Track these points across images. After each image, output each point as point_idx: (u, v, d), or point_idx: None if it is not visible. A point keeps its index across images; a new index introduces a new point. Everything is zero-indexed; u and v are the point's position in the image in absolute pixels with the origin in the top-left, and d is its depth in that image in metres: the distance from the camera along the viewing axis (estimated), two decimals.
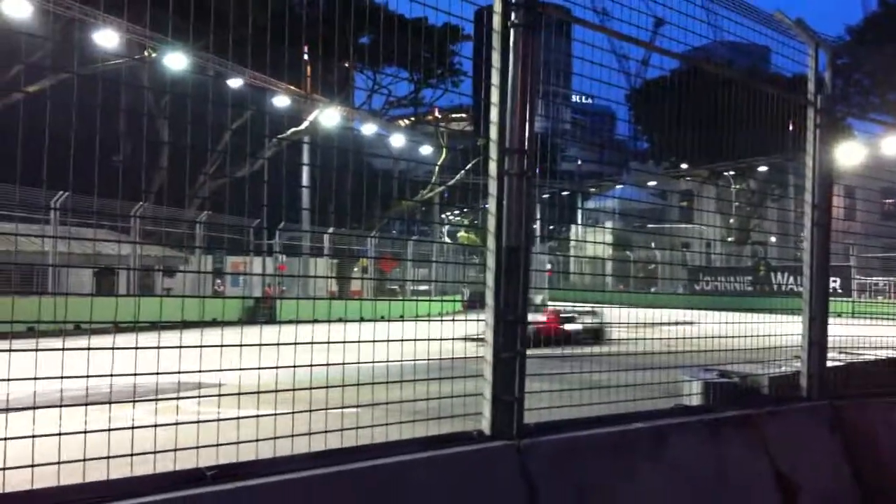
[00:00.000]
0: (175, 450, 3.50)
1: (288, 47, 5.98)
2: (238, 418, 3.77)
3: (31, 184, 3.75)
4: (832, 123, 6.71)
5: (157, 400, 4.05)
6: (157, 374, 3.59)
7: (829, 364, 6.60)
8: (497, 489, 4.04)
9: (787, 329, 6.72)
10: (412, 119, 53.53)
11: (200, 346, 3.77)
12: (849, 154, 10.20)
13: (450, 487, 3.88)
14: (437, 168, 42.23)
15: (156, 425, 3.58)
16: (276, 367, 4.07)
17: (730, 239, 52.75)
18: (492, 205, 4.32)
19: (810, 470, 5.60)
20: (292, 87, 28.04)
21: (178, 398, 4.24)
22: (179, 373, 3.62)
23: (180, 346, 3.74)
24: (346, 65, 39.22)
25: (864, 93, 47.08)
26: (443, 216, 50.56)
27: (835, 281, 37.42)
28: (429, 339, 4.52)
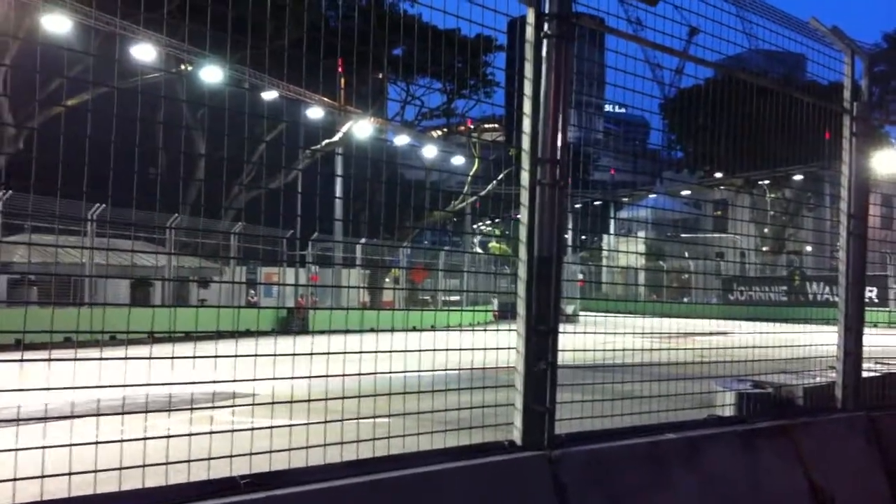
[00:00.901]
0: (209, 458, 3.54)
1: (322, 60, 6.04)
2: (271, 427, 3.81)
3: (71, 196, 3.82)
4: (869, 131, 6.64)
5: (191, 409, 4.10)
6: (190, 383, 3.64)
7: (865, 374, 6.52)
8: (528, 499, 4.04)
9: (822, 339, 6.64)
10: (445, 130, 53.64)
11: (235, 356, 3.81)
12: (886, 162, 10.08)
13: (481, 497, 3.89)
14: (469, 178, 42.29)
15: (190, 434, 3.63)
16: (308, 377, 4.10)
17: (765, 248, 52.19)
18: (524, 215, 4.34)
19: (846, 481, 5.53)
20: (326, 100, 28.25)
21: (212, 407, 4.29)
22: (212, 382, 3.66)
23: (215, 356, 3.78)
24: (380, 76, 39.46)
25: None
26: (474, 226, 50.60)
27: (871, 290, 36.90)
28: (460, 349, 4.53)
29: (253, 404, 4.03)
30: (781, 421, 5.61)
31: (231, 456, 3.54)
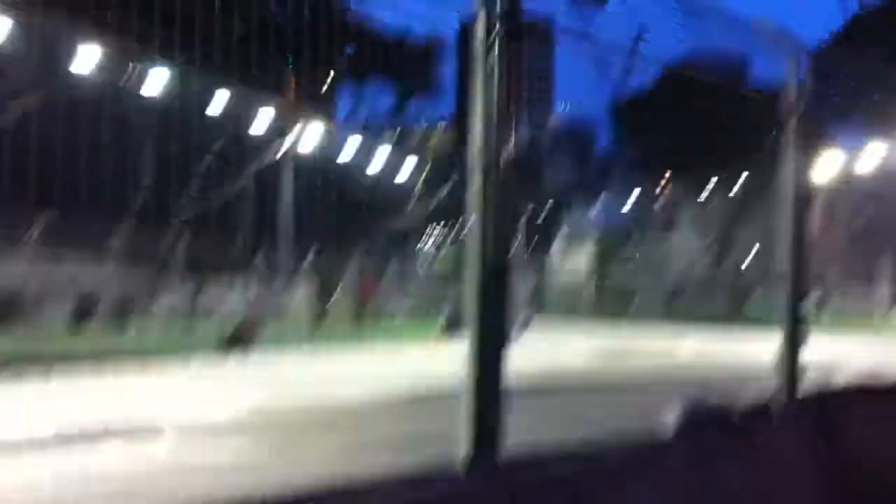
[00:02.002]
0: None
1: (272, 63, 5.85)
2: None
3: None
4: (813, 131, 6.67)
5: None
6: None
7: (809, 381, 6.57)
8: None
9: (766, 347, 6.66)
10: (396, 133, 53.54)
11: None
12: (831, 163, 10.18)
13: None
14: (420, 182, 42.11)
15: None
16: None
17: (711, 252, 52.86)
18: (472, 225, 4.19)
19: (793, 486, 5.56)
20: (277, 101, 28.01)
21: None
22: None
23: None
24: (330, 80, 39.25)
25: (847, 98, 47.47)
26: (427, 229, 50.44)
27: (816, 293, 37.58)
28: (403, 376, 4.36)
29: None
30: (727, 431, 5.59)
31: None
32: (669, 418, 6.23)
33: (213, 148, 28.68)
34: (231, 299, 27.68)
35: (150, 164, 27.87)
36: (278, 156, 31.20)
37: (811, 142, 6.62)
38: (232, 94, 24.67)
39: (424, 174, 42.38)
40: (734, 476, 5.31)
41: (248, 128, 28.84)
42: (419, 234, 48.68)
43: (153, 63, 22.82)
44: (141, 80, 25.46)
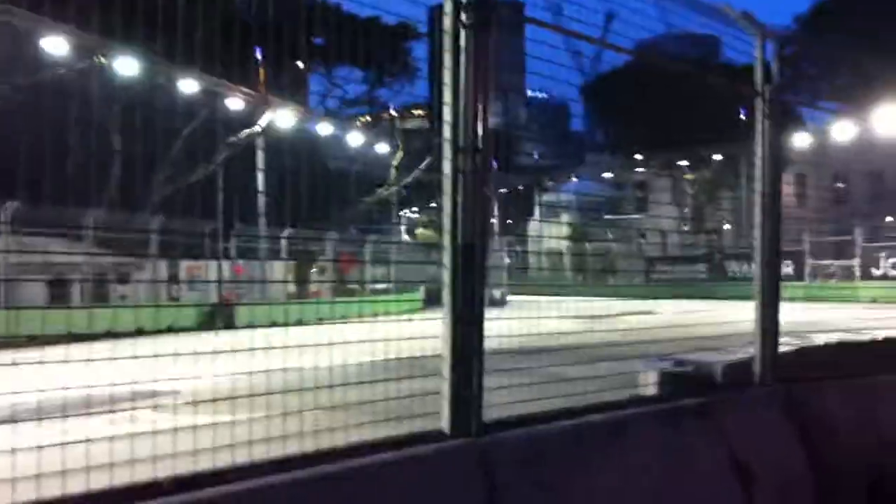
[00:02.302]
0: (131, 461, 3.46)
1: (242, 49, 5.94)
2: (194, 427, 3.74)
3: None
4: (780, 113, 6.81)
5: (111, 411, 4.01)
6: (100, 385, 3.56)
7: (783, 349, 6.70)
8: (457, 488, 4.05)
9: (742, 315, 6.81)
10: (368, 118, 53.34)
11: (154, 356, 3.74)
12: (799, 142, 10.36)
13: (409, 489, 3.88)
14: (393, 166, 42.16)
15: (111, 437, 3.54)
16: (230, 374, 4.05)
17: (685, 228, 53.37)
18: (446, 203, 4.33)
19: (767, 456, 5.69)
20: (245, 90, 27.80)
21: (132, 407, 4.20)
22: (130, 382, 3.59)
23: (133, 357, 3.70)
24: (300, 65, 39.00)
25: (813, 80, 47.87)
26: (401, 213, 50.58)
27: (788, 265, 38.12)
28: (386, 339, 4.52)
29: (174, 403, 3.96)
30: (702, 398, 5.75)
31: (154, 458, 3.47)
32: (646, 382, 6.44)
33: (184, 133, 28.48)
34: (209, 277, 27.63)
35: (121, 150, 27.62)
36: (251, 139, 31.10)
37: (779, 121, 6.80)
38: (201, 80, 24.47)
39: (399, 154, 42.43)
40: (708, 441, 5.48)
41: (219, 113, 28.69)
42: (397, 210, 48.85)
43: (120, 51, 22.56)
44: (108, 69, 25.21)
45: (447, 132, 4.33)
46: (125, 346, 3.81)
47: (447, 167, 4.34)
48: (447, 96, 4.35)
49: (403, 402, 4.43)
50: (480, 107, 4.38)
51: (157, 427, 3.74)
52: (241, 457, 3.67)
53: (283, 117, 31.91)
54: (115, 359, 3.67)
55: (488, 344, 4.43)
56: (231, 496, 3.38)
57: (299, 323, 4.58)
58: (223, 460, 3.59)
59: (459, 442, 4.20)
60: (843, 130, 32.17)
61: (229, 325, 22.41)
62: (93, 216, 25.29)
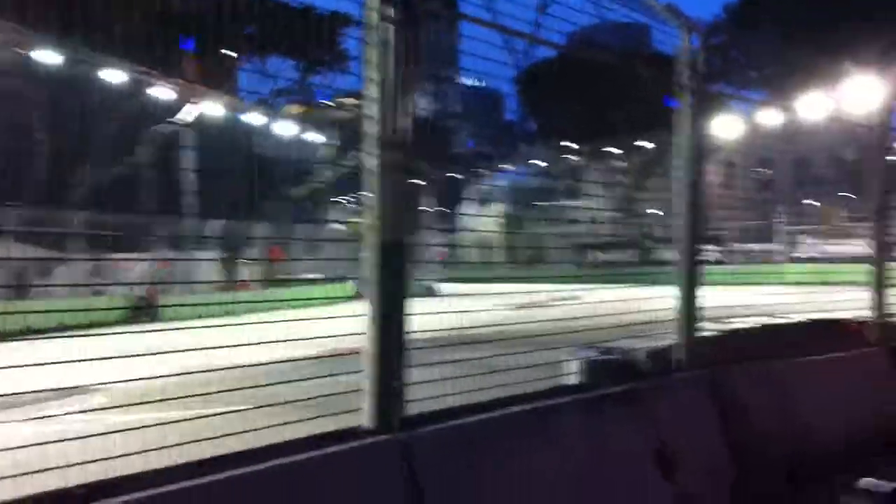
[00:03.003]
0: (39, 471, 3.36)
1: (169, 38, 5.80)
2: (106, 433, 3.65)
3: None
4: (705, 104, 6.92)
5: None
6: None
7: (705, 334, 6.83)
8: (380, 483, 4.04)
9: (667, 302, 6.90)
10: (300, 108, 52.76)
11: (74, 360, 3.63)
12: (726, 130, 10.56)
13: (332, 486, 3.86)
14: (325, 157, 41.78)
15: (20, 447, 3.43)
16: (147, 378, 3.96)
17: (615, 215, 54.06)
18: (370, 199, 4.30)
19: (689, 440, 5.80)
20: (173, 80, 27.26)
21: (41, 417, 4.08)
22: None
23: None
24: (231, 54, 38.37)
25: (742, 69, 48.85)
26: (334, 203, 50.21)
27: (715, 250, 38.94)
28: (310, 338, 4.47)
29: (82, 411, 3.85)
30: (626, 385, 5.83)
31: (64, 466, 3.37)
32: (570, 370, 6.50)
33: (112, 123, 27.85)
34: (134, 270, 27.08)
35: (45, 142, 26.87)
36: (179, 130, 30.54)
37: (704, 111, 6.90)
38: (130, 71, 23.91)
39: (330, 145, 42.09)
40: (631, 427, 5.56)
41: (147, 104, 28.10)
42: (327, 201, 48.48)
43: (46, 43, 21.93)
44: (33, 60, 24.48)
45: (371, 127, 4.29)
46: (43, 345, 3.69)
47: (371, 162, 4.31)
48: (372, 91, 4.31)
49: (327, 398, 4.39)
50: (406, 101, 4.35)
51: (78, 430, 3.63)
52: (159, 459, 3.59)
53: (212, 107, 31.38)
54: (40, 364, 3.57)
55: (416, 336, 4.43)
56: (155, 498, 3.31)
57: (227, 315, 4.56)
58: (137, 465, 3.51)
59: (382, 437, 4.18)
60: (769, 118, 32.92)
61: (154, 319, 22.06)
62: (15, 212, 24.59)
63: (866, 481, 5.32)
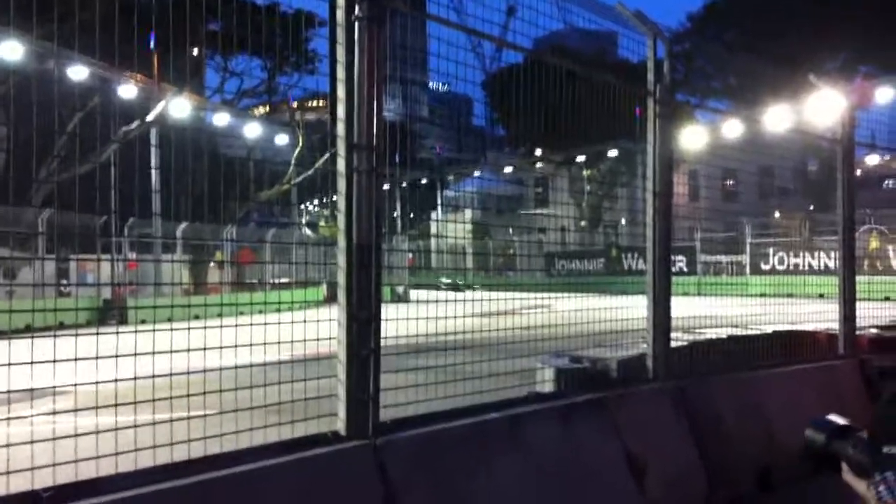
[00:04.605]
0: (6, 473, 3.29)
1: (131, 34, 5.70)
2: (75, 435, 3.57)
3: None
4: (671, 112, 6.93)
5: None
6: None
7: (675, 344, 6.85)
8: (353, 489, 4.01)
9: (636, 311, 6.91)
10: (267, 108, 52.44)
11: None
12: (690, 139, 10.63)
13: (305, 492, 3.81)
14: (293, 159, 41.59)
15: None
16: (114, 381, 3.88)
17: (583, 223, 54.38)
18: (341, 202, 4.27)
19: (659, 449, 5.82)
20: (136, 77, 26.94)
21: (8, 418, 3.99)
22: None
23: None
24: (196, 52, 38.03)
25: (706, 78, 49.31)
26: (302, 206, 49.97)
27: (681, 261, 39.27)
28: (280, 342, 4.42)
29: (49, 413, 3.77)
30: (597, 394, 5.83)
31: (31, 469, 3.30)
32: (542, 379, 6.49)
33: (74, 122, 27.45)
34: (101, 272, 26.72)
35: (8, 141, 26.40)
36: (143, 129, 30.21)
37: (671, 120, 6.91)
38: (93, 69, 23.57)
39: (299, 146, 41.88)
40: (603, 436, 5.57)
41: (111, 103, 27.76)
42: (297, 204, 48.25)
43: (6, 36, 21.52)
44: None
45: (341, 129, 4.25)
46: (13, 346, 3.60)
47: (341, 165, 4.27)
48: (341, 92, 4.27)
49: (299, 403, 4.33)
50: (375, 103, 4.31)
51: (45, 432, 3.55)
52: (128, 463, 3.53)
53: (177, 106, 31.03)
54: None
55: (389, 343, 4.39)
56: (123, 502, 3.25)
57: (196, 318, 4.51)
58: (106, 468, 3.44)
59: (355, 443, 4.15)
60: (733, 128, 33.14)
61: (122, 321, 21.80)
62: None
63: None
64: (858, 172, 10.13)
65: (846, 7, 41.97)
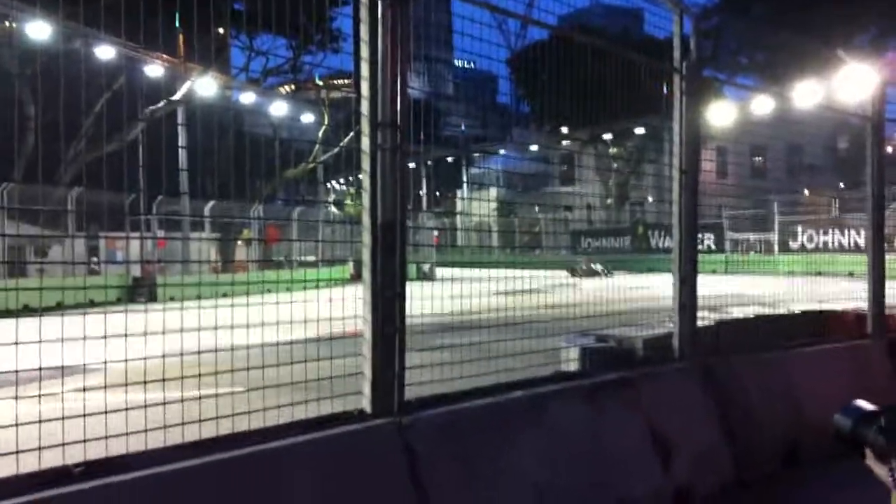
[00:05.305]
0: (38, 448, 3.34)
1: (161, 14, 5.73)
2: (105, 412, 3.62)
3: None
4: (698, 89, 6.85)
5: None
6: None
7: (701, 323, 6.81)
8: (379, 467, 4.03)
9: (663, 289, 6.87)
10: (292, 86, 52.46)
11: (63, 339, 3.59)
12: (718, 116, 10.50)
13: (331, 469, 3.84)
14: (319, 137, 41.64)
15: (16, 424, 3.40)
16: (143, 358, 3.93)
17: (609, 201, 54.09)
18: (365, 180, 4.27)
19: (685, 429, 5.80)
20: (164, 57, 27.03)
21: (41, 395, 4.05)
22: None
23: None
24: (221, 31, 38.08)
25: (734, 54, 48.74)
26: (328, 184, 50.10)
27: (709, 238, 38.99)
28: (306, 321, 4.45)
29: (80, 389, 3.82)
30: (623, 373, 5.82)
31: (62, 444, 3.35)
32: (568, 357, 6.49)
33: (102, 101, 27.65)
34: (130, 250, 26.99)
35: (36, 119, 26.65)
36: (170, 109, 30.35)
37: (697, 96, 6.84)
38: (119, 49, 23.70)
39: (324, 124, 41.94)
40: (628, 414, 5.56)
41: (137, 82, 27.91)
42: (324, 182, 48.41)
43: (34, 17, 21.69)
44: (20, 35, 24.26)
45: (365, 107, 4.24)
46: (43, 323, 3.65)
47: (366, 143, 4.27)
48: (365, 70, 4.25)
49: (326, 381, 4.37)
50: (399, 81, 4.30)
51: (76, 408, 3.61)
52: (158, 439, 3.58)
53: (203, 85, 31.12)
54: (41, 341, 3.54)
55: (414, 321, 4.41)
56: (142, 481, 3.30)
57: (224, 296, 4.58)
58: (135, 445, 3.49)
59: (381, 421, 4.17)
60: (761, 105, 32.69)
61: (151, 299, 22.01)
62: (5, 188, 24.52)
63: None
64: (889, 149, 9.98)
65: None
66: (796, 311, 8.64)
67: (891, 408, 2.19)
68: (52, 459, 3.30)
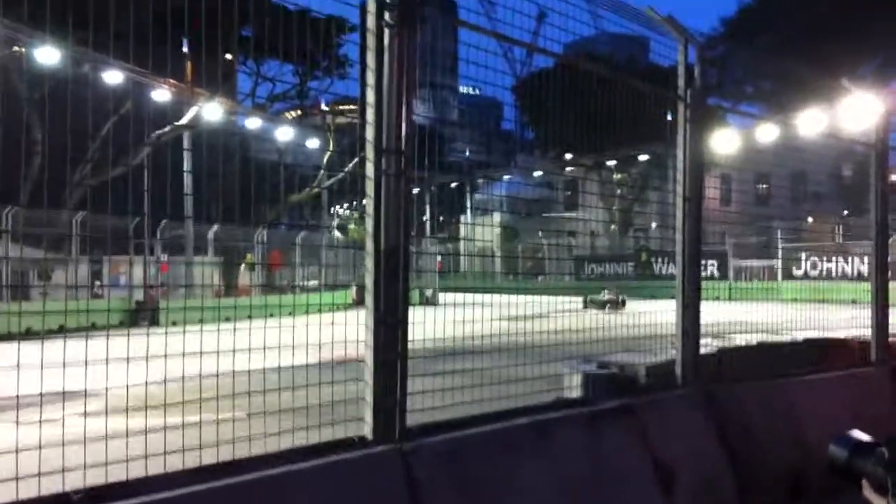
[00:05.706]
0: (38, 475, 3.33)
1: (168, 41, 5.78)
2: (105, 438, 3.61)
3: None
4: (702, 117, 6.87)
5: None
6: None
7: (704, 350, 6.79)
8: (381, 494, 4.01)
9: (666, 316, 6.85)
10: (298, 112, 52.69)
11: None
12: (722, 144, 10.53)
13: (332, 496, 3.82)
14: (324, 162, 41.79)
15: (16, 450, 3.39)
16: (144, 383, 3.92)
17: (612, 227, 54.11)
18: (369, 206, 4.28)
19: (687, 456, 5.76)
20: (171, 82, 27.21)
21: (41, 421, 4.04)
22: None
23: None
24: (229, 57, 38.34)
25: (738, 83, 48.89)
26: (332, 209, 50.21)
27: (713, 265, 38.96)
28: (308, 344, 4.44)
29: (81, 414, 3.81)
30: (625, 400, 5.80)
31: (62, 471, 3.34)
32: (570, 384, 6.47)
33: (108, 126, 27.80)
34: (134, 273, 27.02)
35: (42, 144, 26.82)
36: (176, 134, 30.51)
37: (701, 124, 6.87)
38: (127, 73, 23.86)
39: (329, 150, 42.08)
40: (630, 441, 5.53)
41: (144, 107, 28.08)
42: (327, 206, 48.51)
43: (42, 43, 21.87)
44: (28, 60, 24.44)
45: (370, 134, 4.27)
46: (46, 347, 3.65)
47: (370, 169, 4.28)
48: (370, 97, 4.28)
49: (327, 407, 4.36)
50: (404, 108, 4.32)
51: (77, 434, 3.60)
52: (158, 465, 3.56)
53: (210, 110, 31.25)
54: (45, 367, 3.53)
55: (416, 346, 4.40)
56: None
57: (227, 320, 4.59)
58: (135, 471, 3.48)
59: (382, 448, 4.15)
60: (766, 133, 32.73)
61: (153, 323, 22.00)
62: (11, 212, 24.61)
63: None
64: (893, 177, 10.00)
65: (881, 10, 41.43)
66: (799, 339, 8.62)
67: (893, 439, 2.16)
68: (51, 486, 3.29)
